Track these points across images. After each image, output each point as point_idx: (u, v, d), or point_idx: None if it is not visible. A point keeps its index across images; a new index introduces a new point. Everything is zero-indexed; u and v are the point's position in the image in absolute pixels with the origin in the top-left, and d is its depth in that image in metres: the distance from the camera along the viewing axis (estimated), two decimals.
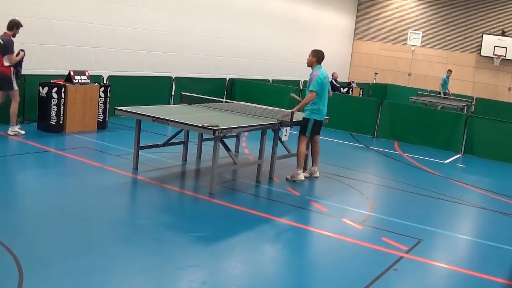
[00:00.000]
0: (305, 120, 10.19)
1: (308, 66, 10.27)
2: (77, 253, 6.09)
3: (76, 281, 5.40)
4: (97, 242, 6.55)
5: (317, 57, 10.16)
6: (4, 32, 11.17)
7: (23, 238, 6.35)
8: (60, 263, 5.75)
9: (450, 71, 24.17)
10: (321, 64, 10.20)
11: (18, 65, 11.35)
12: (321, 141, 14.34)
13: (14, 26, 11.14)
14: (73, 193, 8.11)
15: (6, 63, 11.11)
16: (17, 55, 11.28)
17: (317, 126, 10.34)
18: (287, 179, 10.18)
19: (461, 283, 6.68)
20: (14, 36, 11.20)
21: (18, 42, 11.29)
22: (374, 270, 6.44)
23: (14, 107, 11.42)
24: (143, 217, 7.67)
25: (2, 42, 11.05)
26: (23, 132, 11.52)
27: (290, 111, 10.03)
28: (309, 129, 10.22)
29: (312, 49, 10.31)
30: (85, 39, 15.02)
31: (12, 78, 11.27)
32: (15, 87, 11.38)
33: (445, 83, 24.00)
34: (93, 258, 6.00)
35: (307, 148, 10.74)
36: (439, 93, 24.20)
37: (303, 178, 10.17)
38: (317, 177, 10.58)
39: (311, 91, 9.97)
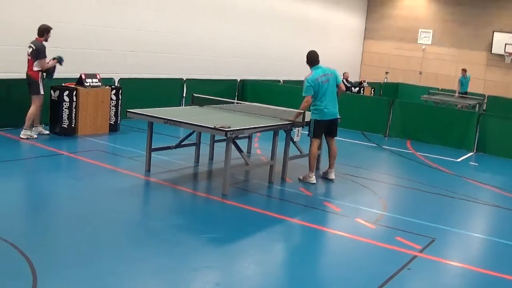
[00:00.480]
0: (309, 122, 10.17)
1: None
2: (90, 255, 6.11)
3: (89, 284, 5.42)
4: (110, 244, 6.57)
5: (309, 59, 10.20)
6: (36, 38, 11.42)
7: (37, 241, 6.38)
8: (73, 266, 5.77)
9: (464, 70, 24.18)
10: (319, 64, 10.13)
11: (50, 70, 11.66)
12: None
13: (44, 31, 11.42)
14: (86, 195, 8.14)
15: (36, 68, 11.41)
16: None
17: (321, 127, 10.15)
18: (299, 179, 10.18)
19: (475, 281, 6.65)
20: (46, 40, 11.49)
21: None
22: (388, 269, 6.43)
23: (32, 111, 11.51)
24: (156, 219, 7.68)
25: (34, 47, 11.35)
26: (35, 135, 11.61)
27: (296, 112, 10.02)
28: (312, 130, 10.15)
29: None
30: (96, 42, 15.06)
31: (40, 83, 11.49)
32: (41, 91, 11.58)
33: (461, 84, 24.02)
34: (106, 260, 6.02)
35: (319, 149, 10.71)
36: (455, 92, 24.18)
37: (314, 182, 10.12)
38: (331, 179, 10.50)
39: (303, 96, 9.96)
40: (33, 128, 11.80)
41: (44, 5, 13.65)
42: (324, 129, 10.23)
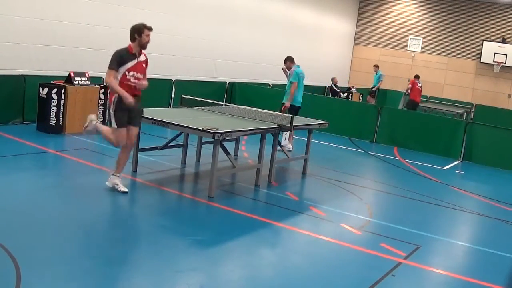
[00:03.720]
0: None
1: (288, 70, 13.55)
2: (75, 255, 6.08)
3: (74, 284, 5.39)
4: (95, 244, 6.54)
5: (291, 59, 13.57)
6: (129, 45, 8.26)
7: (21, 240, 6.33)
8: (58, 266, 5.74)
9: (376, 66, 25.84)
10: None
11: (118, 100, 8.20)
12: (321, 146, 14.49)
13: (135, 33, 8.18)
14: (72, 194, 8.09)
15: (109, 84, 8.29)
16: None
17: (292, 110, 12.96)
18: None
19: None
20: (142, 46, 8.29)
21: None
22: (372, 275, 6.44)
23: (119, 153, 8.67)
24: (141, 219, 7.67)
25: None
26: (125, 189, 8.49)
27: (287, 104, 13.12)
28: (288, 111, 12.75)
29: (286, 57, 13.66)
30: (86, 40, 14.99)
31: (112, 108, 8.26)
32: (114, 123, 8.29)
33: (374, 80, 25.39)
34: (91, 260, 5.99)
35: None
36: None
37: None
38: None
39: (292, 82, 13.15)
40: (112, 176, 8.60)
41: (35, 2, 13.57)
42: (294, 112, 12.66)
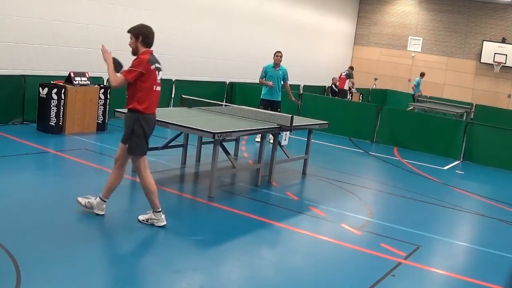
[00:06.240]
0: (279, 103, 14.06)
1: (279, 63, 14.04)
2: (75, 255, 6.08)
3: (73, 284, 5.39)
4: (95, 244, 6.54)
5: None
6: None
7: (21, 240, 6.33)
8: (58, 265, 5.73)
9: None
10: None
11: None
12: (320, 146, 14.49)
13: (140, 35, 7.11)
14: (71, 194, 8.07)
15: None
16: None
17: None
18: None
19: None
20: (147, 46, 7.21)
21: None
22: (372, 275, 6.44)
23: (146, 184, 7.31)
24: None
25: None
26: (163, 223, 7.27)
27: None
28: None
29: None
30: (86, 40, 14.98)
31: (134, 128, 7.12)
32: (136, 149, 7.19)
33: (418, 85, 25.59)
34: (91, 260, 5.99)
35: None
36: (413, 95, 25.78)
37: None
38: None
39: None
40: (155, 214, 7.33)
41: (34, 1, 13.56)
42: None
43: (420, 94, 25.80)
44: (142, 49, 7.08)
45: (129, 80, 6.87)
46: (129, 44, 7.09)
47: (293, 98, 14.70)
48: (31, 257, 5.80)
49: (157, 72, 7.14)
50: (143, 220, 7.23)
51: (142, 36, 7.09)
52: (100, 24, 15.25)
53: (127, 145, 7.15)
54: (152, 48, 7.18)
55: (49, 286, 5.31)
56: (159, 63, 7.22)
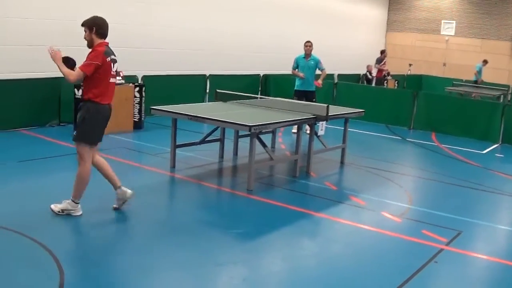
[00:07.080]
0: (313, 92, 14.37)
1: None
2: (117, 251, 6.19)
3: (116, 279, 5.48)
4: (137, 239, 6.63)
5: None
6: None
7: (63, 239, 6.45)
8: (100, 262, 5.84)
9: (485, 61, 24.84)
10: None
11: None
12: (356, 134, 14.42)
13: (93, 27, 7.24)
14: (112, 193, 8.18)
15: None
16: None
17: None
18: None
19: (503, 274, 6.58)
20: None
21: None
22: (414, 263, 6.41)
23: None
24: (182, 214, 7.73)
25: None
26: (79, 212, 7.21)
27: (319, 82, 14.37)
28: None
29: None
30: (120, 39, 15.09)
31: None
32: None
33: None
34: (133, 255, 6.08)
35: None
36: (475, 81, 24.83)
37: None
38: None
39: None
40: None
41: (68, 4, 13.71)
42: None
43: (482, 80, 25.50)
44: (97, 41, 7.18)
45: (87, 73, 6.94)
46: (84, 37, 7.21)
47: (320, 82, 14.55)
48: (73, 256, 5.91)
49: (112, 64, 7.23)
50: (59, 211, 7.12)
51: (96, 27, 7.23)
52: (133, 23, 15.33)
53: (74, 132, 7.35)
54: (107, 40, 7.36)
55: (93, 283, 5.37)
56: (114, 55, 7.33)
